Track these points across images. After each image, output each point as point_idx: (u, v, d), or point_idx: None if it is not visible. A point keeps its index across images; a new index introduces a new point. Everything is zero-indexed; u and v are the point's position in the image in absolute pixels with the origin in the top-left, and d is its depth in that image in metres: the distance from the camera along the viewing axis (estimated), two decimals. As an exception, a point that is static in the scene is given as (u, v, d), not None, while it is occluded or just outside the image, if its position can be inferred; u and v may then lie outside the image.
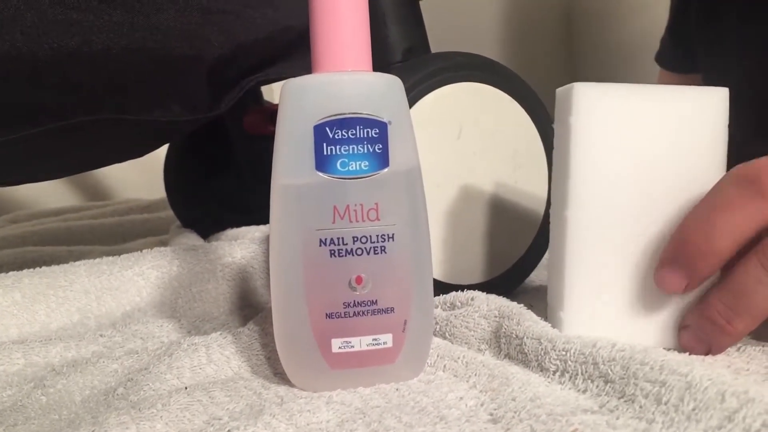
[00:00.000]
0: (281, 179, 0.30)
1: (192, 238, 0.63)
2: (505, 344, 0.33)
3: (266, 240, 0.51)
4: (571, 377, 0.30)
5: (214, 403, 0.30)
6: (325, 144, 0.29)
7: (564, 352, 0.31)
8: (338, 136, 0.29)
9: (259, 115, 0.63)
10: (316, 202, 0.29)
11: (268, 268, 0.50)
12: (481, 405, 0.28)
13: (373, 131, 0.29)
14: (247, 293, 0.49)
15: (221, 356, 0.35)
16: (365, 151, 0.29)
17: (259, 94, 0.66)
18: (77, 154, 0.47)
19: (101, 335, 0.42)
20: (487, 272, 0.43)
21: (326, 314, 0.30)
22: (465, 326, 0.35)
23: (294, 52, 0.47)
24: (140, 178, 1.15)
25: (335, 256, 0.30)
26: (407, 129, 0.31)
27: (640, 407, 0.26)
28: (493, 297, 0.37)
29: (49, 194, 1.11)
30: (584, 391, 0.28)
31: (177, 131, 0.50)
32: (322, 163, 0.29)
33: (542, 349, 0.32)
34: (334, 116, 0.29)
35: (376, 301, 0.30)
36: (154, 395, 0.31)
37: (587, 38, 1.45)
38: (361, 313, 0.30)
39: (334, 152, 0.29)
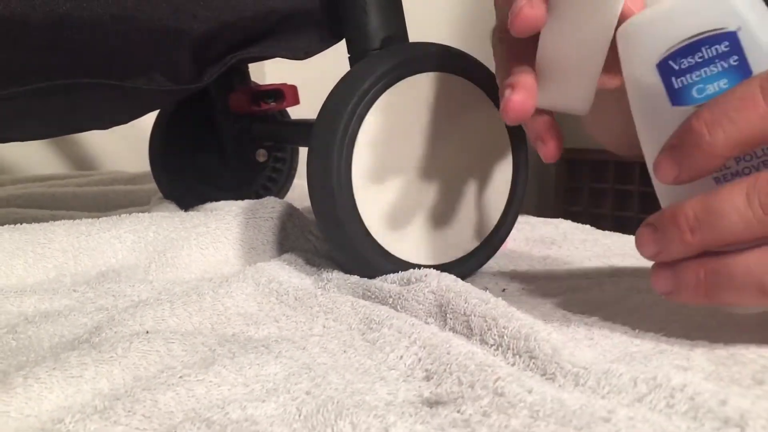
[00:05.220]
0: (643, 121, 0.31)
1: (171, 209, 0.65)
2: (452, 319, 0.35)
3: (242, 213, 0.53)
4: (503, 351, 0.32)
5: (171, 355, 0.32)
6: (673, 78, 0.29)
7: (503, 329, 0.33)
8: (684, 65, 0.29)
9: (244, 94, 0.64)
10: None
11: (240, 239, 0.52)
12: (419, 361, 0.30)
13: (722, 46, 0.28)
14: (219, 262, 0.50)
15: (184, 312, 0.37)
16: (720, 69, 0.28)
17: (246, 74, 0.67)
18: (60, 116, 0.49)
19: (74, 290, 0.44)
20: (447, 254, 0.45)
21: None
22: (415, 299, 0.37)
23: (277, 33, 0.49)
24: (126, 151, 1.16)
25: (720, 182, 0.30)
26: (764, 23, 0.28)
27: (560, 386, 0.28)
28: (445, 275, 0.39)
29: (36, 161, 1.13)
30: (513, 365, 0.31)
31: (160, 101, 0.52)
32: (677, 96, 0.29)
33: (486, 325, 0.34)
34: (672, 48, 0.29)
35: None
36: (115, 337, 0.33)
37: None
38: None
39: (685, 83, 0.29)
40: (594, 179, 1.59)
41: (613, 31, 0.32)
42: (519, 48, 0.37)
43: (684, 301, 0.31)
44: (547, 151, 0.37)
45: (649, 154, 0.32)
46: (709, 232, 0.29)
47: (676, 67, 0.29)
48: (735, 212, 0.28)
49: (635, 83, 0.31)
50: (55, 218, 0.56)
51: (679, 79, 0.29)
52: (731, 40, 0.28)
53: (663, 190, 0.32)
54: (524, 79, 0.35)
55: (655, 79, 0.30)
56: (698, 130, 0.29)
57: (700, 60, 0.29)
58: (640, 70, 0.30)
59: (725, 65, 0.28)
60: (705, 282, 0.30)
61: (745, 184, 0.28)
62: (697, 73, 0.29)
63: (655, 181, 0.32)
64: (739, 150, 0.29)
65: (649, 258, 0.32)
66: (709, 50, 0.29)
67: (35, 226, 0.49)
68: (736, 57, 0.28)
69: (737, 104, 0.28)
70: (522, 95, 0.35)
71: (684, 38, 0.29)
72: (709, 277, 0.30)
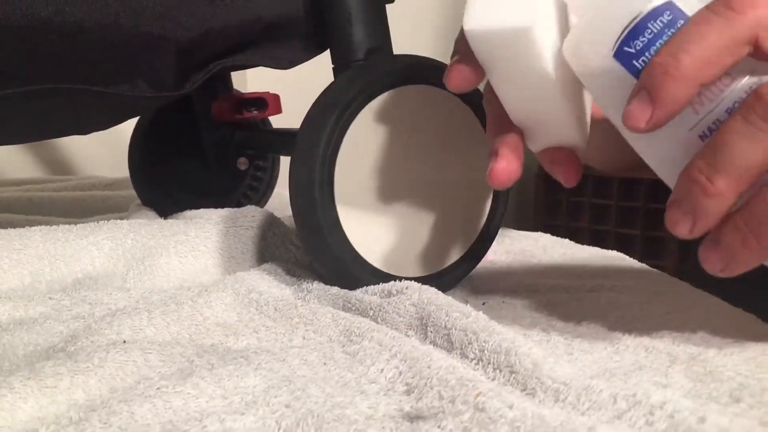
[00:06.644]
0: (619, 116, 0.30)
1: (150, 216, 0.64)
2: (432, 332, 0.35)
3: (222, 222, 0.53)
4: (483, 366, 0.32)
5: (148, 365, 0.32)
6: (634, 61, 0.30)
7: (484, 343, 0.33)
8: (639, 45, 0.29)
9: (227, 102, 0.64)
10: None
11: (220, 248, 0.51)
12: (400, 374, 0.30)
13: (665, 16, 0.29)
14: (198, 271, 0.50)
15: (162, 321, 0.36)
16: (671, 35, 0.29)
17: (229, 82, 0.67)
18: (40, 120, 0.48)
19: (50, 298, 0.43)
20: (428, 267, 0.45)
21: None
22: (396, 312, 0.37)
23: (262, 42, 0.49)
24: (105, 155, 1.15)
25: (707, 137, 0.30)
26: None
27: (540, 402, 0.28)
28: (426, 288, 0.39)
29: (12, 165, 1.11)
30: (493, 379, 0.31)
31: (142, 107, 0.52)
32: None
33: (467, 339, 0.34)
34: (622, 35, 0.29)
35: None
36: (91, 347, 0.32)
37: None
38: None
39: (646, 60, 0.29)
40: (573, 193, 1.60)
41: (554, 80, 0.32)
42: (500, 110, 0.36)
43: (745, 266, 0.29)
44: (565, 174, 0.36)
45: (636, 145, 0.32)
46: (727, 169, 0.28)
47: (633, 50, 0.30)
48: (739, 136, 0.27)
49: (600, 84, 0.31)
50: (31, 223, 0.55)
51: (639, 60, 0.30)
52: (671, 7, 0.29)
53: (663, 165, 0.32)
54: (506, 143, 0.35)
55: (617, 70, 0.30)
56: (663, 62, 0.28)
57: (650, 35, 0.29)
58: (601, 69, 0.31)
59: (674, 31, 0.29)
60: (751, 228, 0.28)
61: (736, 112, 0.28)
62: (654, 47, 0.29)
63: (655, 164, 0.32)
64: (708, 69, 0.28)
65: (687, 236, 0.29)
66: (655, 24, 0.29)
67: (10, 231, 0.48)
68: (681, 21, 0.29)
69: (693, 29, 0.28)
70: (504, 162, 0.35)
71: (628, 23, 0.30)
72: (751, 221, 0.28)
